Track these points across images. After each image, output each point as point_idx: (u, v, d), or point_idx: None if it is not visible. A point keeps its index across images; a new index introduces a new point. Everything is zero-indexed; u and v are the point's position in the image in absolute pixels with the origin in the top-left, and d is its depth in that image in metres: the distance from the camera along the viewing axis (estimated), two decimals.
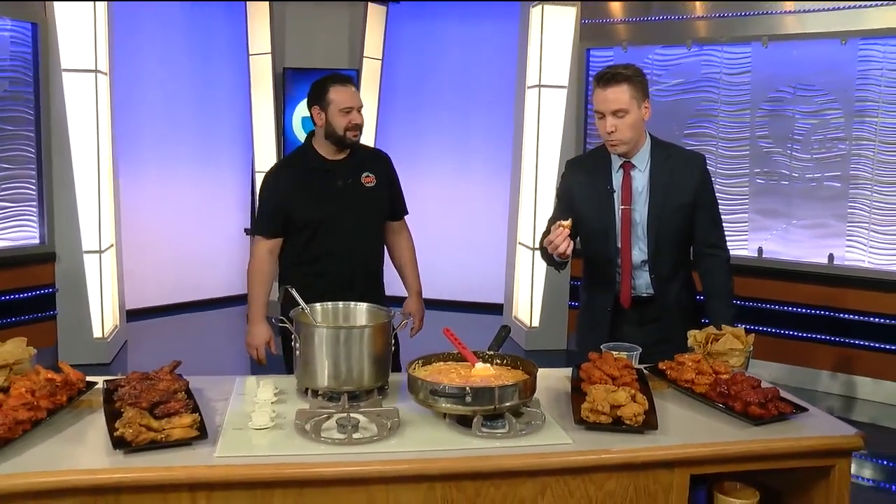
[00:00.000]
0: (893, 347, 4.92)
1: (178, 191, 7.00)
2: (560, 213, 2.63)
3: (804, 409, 1.93)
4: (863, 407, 5.00)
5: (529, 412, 1.90)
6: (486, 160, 7.11)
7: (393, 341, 2.84)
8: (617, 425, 1.84)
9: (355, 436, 1.75)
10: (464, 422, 1.84)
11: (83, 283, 5.35)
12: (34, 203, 5.21)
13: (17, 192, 5.15)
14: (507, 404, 1.82)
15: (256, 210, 2.94)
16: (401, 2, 6.98)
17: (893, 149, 4.90)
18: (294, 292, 2.14)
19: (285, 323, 2.03)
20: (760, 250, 5.38)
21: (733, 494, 1.88)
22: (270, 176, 2.90)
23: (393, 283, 3.15)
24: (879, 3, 4.82)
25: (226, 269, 7.35)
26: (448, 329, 2.14)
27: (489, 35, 7.00)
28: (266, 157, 6.80)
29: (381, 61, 6.91)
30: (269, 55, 6.63)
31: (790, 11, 5.15)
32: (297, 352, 2.01)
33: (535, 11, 5.95)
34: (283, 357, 2.75)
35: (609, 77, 2.47)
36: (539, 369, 1.99)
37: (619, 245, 2.59)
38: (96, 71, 5.28)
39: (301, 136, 6.73)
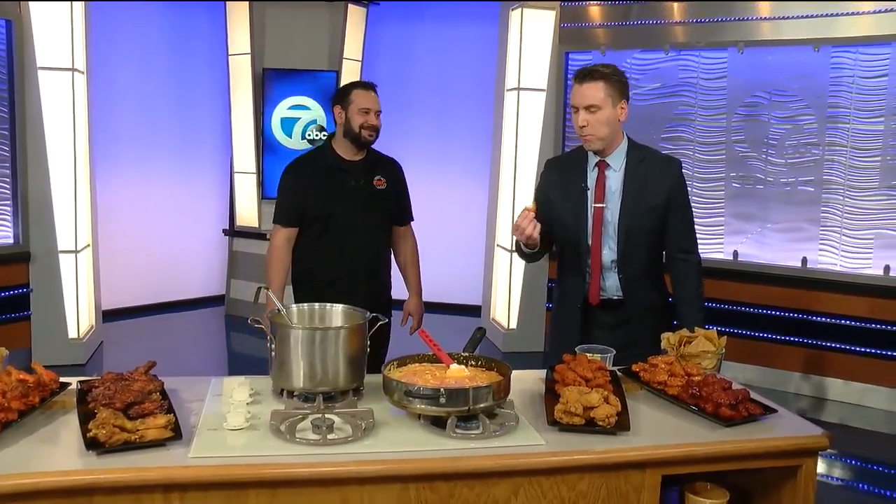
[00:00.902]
0: (863, 349, 5.01)
1: (156, 191, 6.96)
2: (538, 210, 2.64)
3: (773, 411, 1.97)
4: (833, 407, 5.08)
5: (503, 413, 1.91)
6: (465, 162, 7.14)
7: (385, 341, 3.09)
8: (590, 426, 1.86)
9: (330, 436, 1.76)
10: (438, 423, 1.85)
11: (58, 284, 5.31)
12: (8, 202, 5.16)
13: None
14: (481, 405, 1.84)
15: (276, 200, 3.16)
16: (380, 3, 6.99)
17: (865, 154, 4.98)
18: (270, 293, 2.15)
19: (260, 324, 2.03)
20: (736, 253, 5.44)
21: (704, 494, 1.91)
22: (290, 169, 3.12)
23: (396, 288, 3.33)
24: (851, 12, 4.91)
25: (204, 269, 7.32)
26: (423, 331, 2.16)
27: (468, 37, 7.02)
28: (245, 157, 6.79)
29: (360, 63, 6.91)
30: (249, 55, 6.61)
31: (765, 18, 5.22)
32: (273, 353, 2.01)
33: (515, 14, 5.98)
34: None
35: (586, 73, 2.53)
36: (513, 371, 2.00)
37: (590, 243, 2.62)
38: (73, 69, 5.24)
39: (281, 136, 6.72)
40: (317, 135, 6.75)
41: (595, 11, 5.90)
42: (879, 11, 4.80)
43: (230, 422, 1.81)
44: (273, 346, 2.01)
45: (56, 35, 5.16)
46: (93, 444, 1.59)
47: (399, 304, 3.29)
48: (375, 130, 3.05)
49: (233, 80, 6.75)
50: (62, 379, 1.96)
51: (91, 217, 5.68)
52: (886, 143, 4.90)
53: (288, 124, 6.74)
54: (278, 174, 3.21)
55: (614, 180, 2.62)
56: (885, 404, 4.97)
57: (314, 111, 6.77)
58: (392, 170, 3.20)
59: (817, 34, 5.02)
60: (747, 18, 5.29)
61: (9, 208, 5.17)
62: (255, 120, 6.71)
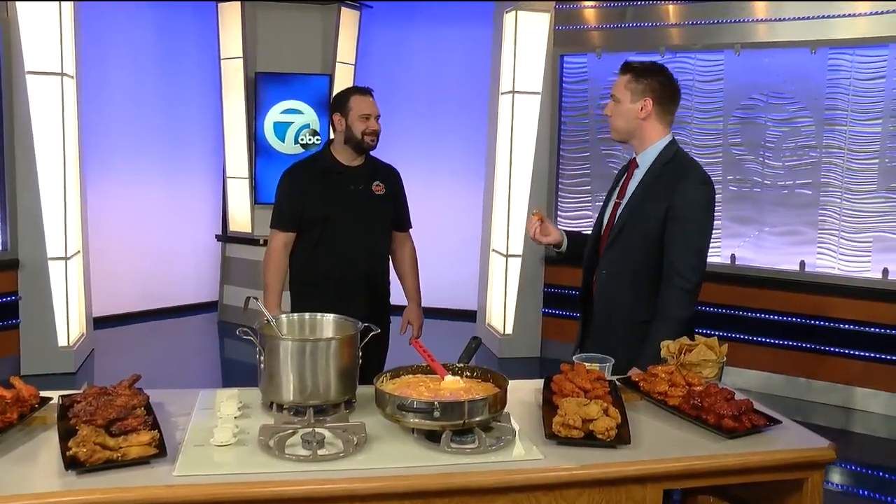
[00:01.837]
0: (862, 353, 4.97)
1: (148, 196, 6.89)
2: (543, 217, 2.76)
3: (778, 422, 1.91)
4: (831, 412, 5.03)
5: (499, 427, 1.85)
6: (459, 166, 7.09)
7: (384, 347, 3.12)
8: (589, 440, 1.81)
9: (320, 452, 1.70)
10: (432, 437, 1.79)
11: (48, 291, 5.23)
12: None
13: None
14: (477, 419, 1.78)
15: (273, 205, 3.16)
16: (373, 6, 6.93)
17: (862, 157, 4.95)
18: (259, 303, 2.09)
19: (249, 335, 1.97)
20: (733, 257, 5.40)
21: None
22: (288, 173, 3.12)
23: (394, 295, 3.32)
24: (848, 13, 4.87)
25: (196, 275, 7.25)
26: (417, 341, 2.10)
27: (462, 40, 6.98)
28: (238, 162, 6.72)
29: (353, 66, 6.86)
30: (241, 59, 6.55)
31: (762, 20, 5.19)
32: (262, 365, 1.95)
33: (509, 17, 5.93)
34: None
35: (621, 66, 2.57)
36: (510, 381, 1.95)
37: (602, 236, 2.63)
38: (62, 74, 5.17)
39: (274, 141, 6.66)
40: (310, 139, 6.70)
41: (590, 14, 5.86)
42: (876, 13, 4.77)
43: (217, 437, 1.75)
44: (262, 357, 1.95)
45: (44, 38, 5.09)
46: (72, 464, 1.53)
47: (397, 310, 3.25)
48: (377, 135, 3.05)
49: (225, 84, 6.68)
50: (43, 393, 1.90)
51: (81, 223, 5.61)
52: (884, 145, 4.86)
53: (281, 128, 6.68)
54: (271, 179, 3.18)
55: (636, 179, 2.58)
56: (885, 409, 4.93)
57: (307, 115, 6.71)
58: (390, 176, 3.19)
59: (814, 36, 4.98)
60: (743, 20, 5.25)
61: None
62: (247, 124, 6.64)
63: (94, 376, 5.54)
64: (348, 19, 6.73)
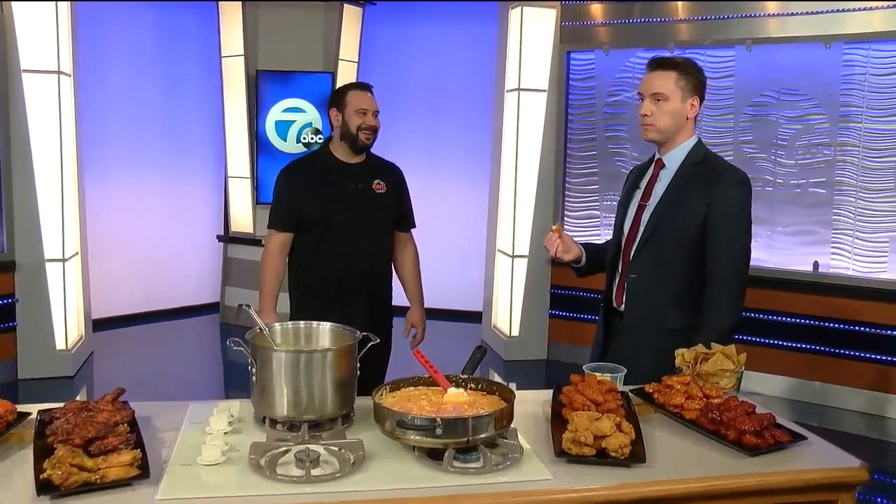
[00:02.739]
0: (878, 357, 4.83)
1: (148, 196, 6.80)
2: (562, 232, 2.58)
3: (802, 438, 1.80)
4: (847, 417, 4.91)
5: (506, 444, 1.74)
6: (464, 165, 6.98)
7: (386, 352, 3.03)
8: (601, 458, 1.69)
9: (314, 472, 1.59)
10: (435, 455, 1.68)
11: (45, 293, 5.14)
12: None
13: None
14: (482, 436, 1.67)
15: (271, 204, 3.08)
16: (376, 3, 6.82)
17: (878, 154, 4.82)
18: (252, 311, 1.98)
19: (241, 346, 1.86)
20: None
21: None
22: (285, 172, 3.02)
23: (396, 297, 3.22)
24: (863, 7, 4.73)
25: (197, 276, 7.15)
26: (419, 351, 1.98)
27: (466, 37, 6.86)
28: (239, 161, 6.62)
29: (356, 64, 6.75)
30: (242, 57, 6.46)
31: (774, 14, 5.06)
32: (254, 377, 1.84)
33: (515, 13, 5.82)
34: None
35: (659, 62, 2.43)
36: (518, 392, 1.84)
37: (624, 240, 2.51)
38: (59, 72, 5.07)
39: (275, 140, 6.56)
40: (312, 138, 6.59)
41: (597, 9, 5.74)
42: (894, 6, 4.63)
43: (204, 456, 1.64)
44: (254, 369, 1.85)
45: (41, 36, 4.99)
46: (46, 488, 1.42)
47: (400, 311, 3.16)
48: (373, 131, 2.94)
49: (226, 82, 6.59)
50: (20, 408, 1.79)
51: (79, 224, 5.51)
52: None
53: (283, 127, 6.58)
54: (273, 178, 3.08)
55: (664, 180, 2.46)
56: None
57: (309, 114, 6.60)
58: (392, 174, 3.09)
59: (828, 30, 4.85)
60: (754, 15, 5.13)
61: None
62: (248, 123, 6.54)
63: (92, 380, 5.47)
64: (351, 16, 6.62)
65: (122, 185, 6.60)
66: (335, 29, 6.54)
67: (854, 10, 4.76)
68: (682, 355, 2.22)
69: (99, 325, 6.14)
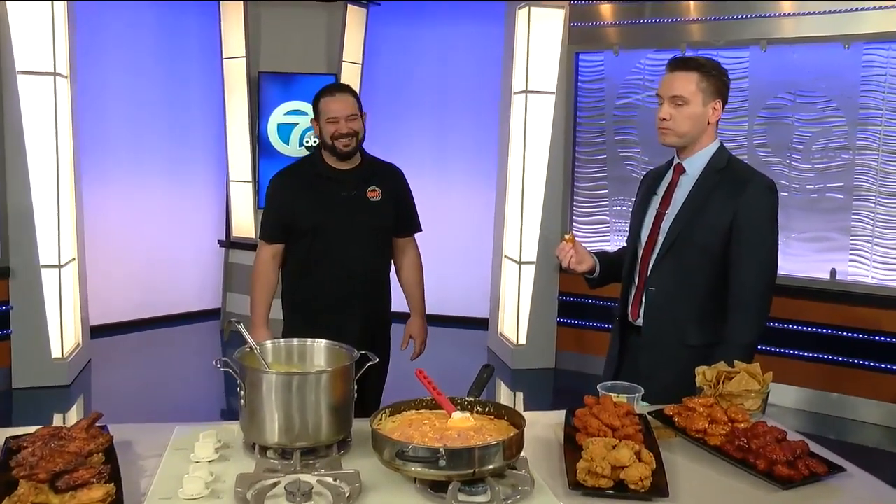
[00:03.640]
0: None
1: (148, 200, 6.67)
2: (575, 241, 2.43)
3: (841, 469, 1.64)
4: (866, 430, 4.75)
5: (515, 475, 1.59)
6: (470, 168, 6.84)
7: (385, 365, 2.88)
8: (620, 491, 1.55)
9: None
10: (438, 487, 1.54)
11: (40, 301, 5.02)
12: None
13: None
14: (489, 467, 1.52)
15: (262, 214, 2.97)
16: (381, 4, 6.70)
17: None
18: (241, 328, 1.84)
19: (229, 367, 1.72)
20: None
21: None
22: (275, 180, 2.88)
23: (399, 302, 3.07)
24: (883, 5, 4.58)
25: (198, 282, 7.03)
26: (421, 371, 1.84)
27: (473, 38, 6.73)
28: (241, 164, 6.49)
29: (361, 66, 6.62)
30: (244, 59, 6.32)
31: (789, 14, 4.90)
32: (242, 400, 1.71)
33: (522, 14, 5.68)
34: None
35: (680, 62, 2.28)
36: (527, 413, 1.70)
37: (641, 250, 2.37)
38: (55, 74, 4.96)
39: (277, 143, 6.44)
40: (315, 141, 6.45)
41: (606, 10, 5.59)
42: None
43: (186, 489, 1.50)
44: (243, 392, 1.71)
45: (36, 37, 4.87)
46: None
47: (401, 318, 3.00)
48: (351, 137, 2.75)
49: (227, 84, 6.46)
50: None
51: (77, 229, 5.39)
52: None
53: (285, 130, 6.45)
54: None
55: (685, 186, 2.32)
56: None
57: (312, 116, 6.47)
58: (390, 178, 2.91)
59: (847, 30, 4.69)
60: (769, 15, 4.97)
61: None
62: (250, 126, 6.41)
63: (90, 388, 5.35)
64: (355, 17, 6.49)
65: (122, 189, 6.48)
66: (338, 30, 6.41)
67: (874, 8, 4.60)
68: (703, 374, 2.08)
69: (98, 332, 6.02)
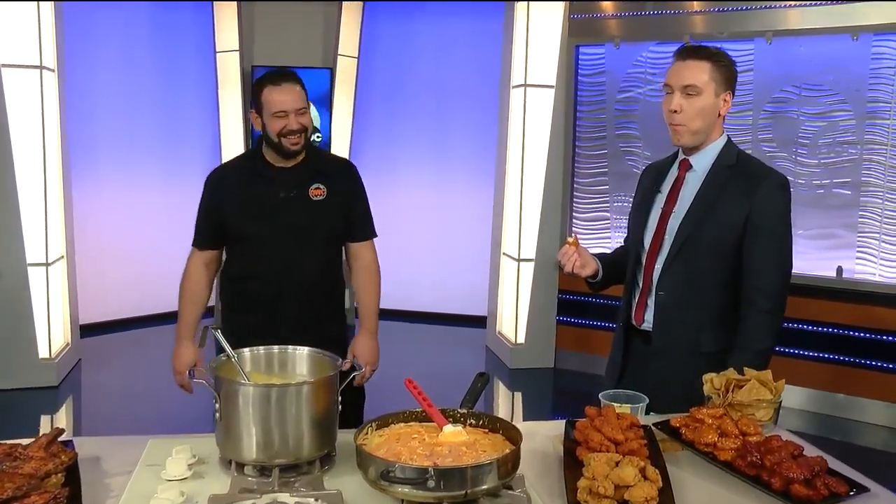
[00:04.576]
0: None
1: (141, 196, 6.53)
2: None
3: (864, 489, 1.53)
4: (872, 432, 4.64)
5: (510, 495, 1.48)
6: (468, 164, 6.71)
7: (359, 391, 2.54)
8: None
9: None
10: None
11: (27, 299, 4.88)
12: None
13: None
14: (483, 487, 1.41)
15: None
16: None
17: None
18: (218, 335, 1.72)
19: (201, 379, 1.60)
20: None
21: None
22: (208, 179, 2.55)
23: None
24: None
25: None
26: (410, 380, 1.72)
27: (471, 32, 6.59)
28: None
29: (356, 60, 6.50)
30: (237, 52, 6.23)
31: (796, 4, 4.77)
32: (218, 413, 1.59)
33: (521, 6, 5.55)
34: None
35: (691, 50, 2.14)
36: (524, 424, 1.58)
37: (646, 251, 2.25)
38: (41, 67, 4.82)
39: None
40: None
41: (607, 2, 5.46)
42: None
43: None
44: (218, 405, 1.59)
45: (21, 30, 4.73)
46: None
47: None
48: (301, 133, 2.38)
49: (220, 78, 6.35)
50: None
51: (65, 226, 5.26)
52: None
53: None
54: None
55: (692, 184, 2.20)
56: None
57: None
58: (339, 176, 2.54)
59: (855, 21, 4.55)
60: (775, 6, 4.84)
61: None
62: (244, 121, 6.31)
63: (80, 389, 5.23)
64: (351, 10, 6.38)
65: (114, 185, 6.35)
66: (334, 23, 6.29)
67: None
68: (711, 381, 1.97)
69: (88, 331, 5.90)
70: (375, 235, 2.62)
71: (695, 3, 5.15)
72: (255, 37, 6.29)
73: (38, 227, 4.92)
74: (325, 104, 6.30)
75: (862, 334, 4.68)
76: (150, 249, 6.63)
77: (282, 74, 2.42)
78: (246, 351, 1.75)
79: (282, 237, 2.41)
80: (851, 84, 4.63)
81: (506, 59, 5.82)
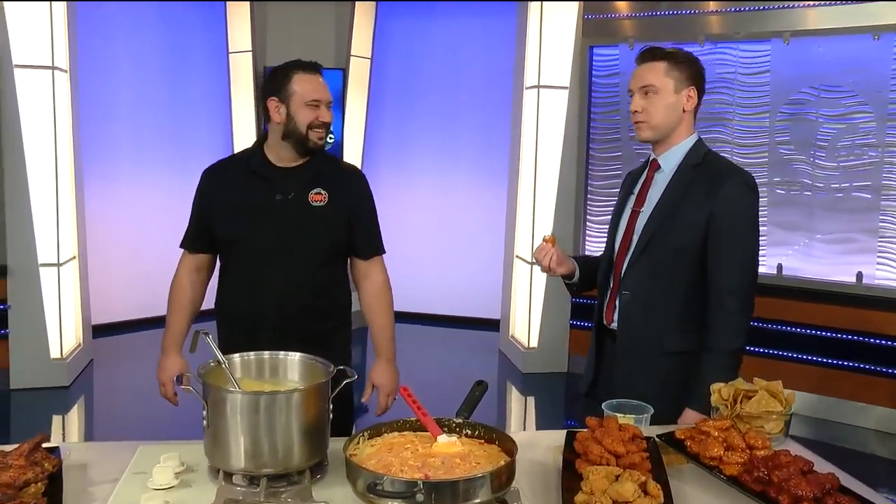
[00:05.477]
0: None
1: (153, 197, 6.54)
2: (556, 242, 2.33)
3: None
4: (893, 442, 4.52)
5: None
6: (480, 166, 6.67)
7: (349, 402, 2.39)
8: None
9: None
10: None
11: (39, 299, 4.91)
12: None
13: None
14: (475, 501, 1.36)
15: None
16: None
17: None
18: (210, 340, 1.68)
19: (188, 386, 1.57)
20: (780, 267, 4.90)
21: None
22: (203, 176, 2.36)
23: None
24: None
25: None
26: (406, 388, 1.68)
27: (484, 32, 6.56)
28: None
29: (370, 60, 6.47)
30: (250, 53, 6.23)
31: (814, 4, 4.68)
32: (206, 421, 1.55)
33: (534, 6, 5.50)
34: None
35: (647, 52, 2.18)
36: (521, 435, 1.53)
37: (616, 251, 2.24)
38: (53, 68, 4.84)
39: None
40: None
41: (621, 2, 5.39)
42: None
43: None
44: (205, 412, 1.55)
45: (34, 31, 4.75)
46: None
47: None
48: (327, 130, 2.26)
49: (233, 79, 6.35)
50: None
51: (77, 227, 5.28)
52: None
53: None
54: None
55: (660, 183, 2.19)
56: None
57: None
58: (343, 181, 2.31)
59: (877, 20, 4.44)
60: (793, 6, 4.75)
61: None
62: (257, 122, 6.29)
63: (92, 389, 5.24)
64: (364, 11, 6.35)
65: (126, 186, 6.37)
66: (347, 24, 6.27)
67: None
68: (719, 392, 1.90)
69: (100, 331, 5.92)
70: (383, 252, 2.39)
71: (710, 2, 5.07)
72: (267, 38, 6.29)
73: (50, 228, 4.94)
74: (338, 105, 6.27)
75: (882, 342, 4.58)
76: (161, 250, 6.59)
77: (312, 64, 2.29)
78: (236, 357, 1.72)
79: (276, 242, 2.22)
80: (872, 85, 4.53)
81: (519, 60, 5.77)
